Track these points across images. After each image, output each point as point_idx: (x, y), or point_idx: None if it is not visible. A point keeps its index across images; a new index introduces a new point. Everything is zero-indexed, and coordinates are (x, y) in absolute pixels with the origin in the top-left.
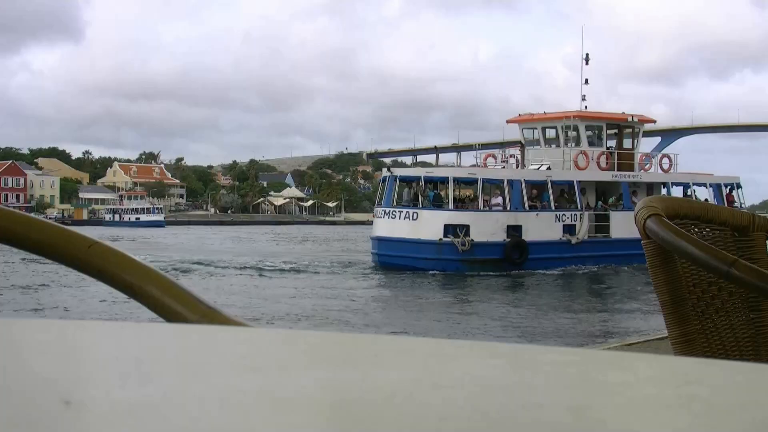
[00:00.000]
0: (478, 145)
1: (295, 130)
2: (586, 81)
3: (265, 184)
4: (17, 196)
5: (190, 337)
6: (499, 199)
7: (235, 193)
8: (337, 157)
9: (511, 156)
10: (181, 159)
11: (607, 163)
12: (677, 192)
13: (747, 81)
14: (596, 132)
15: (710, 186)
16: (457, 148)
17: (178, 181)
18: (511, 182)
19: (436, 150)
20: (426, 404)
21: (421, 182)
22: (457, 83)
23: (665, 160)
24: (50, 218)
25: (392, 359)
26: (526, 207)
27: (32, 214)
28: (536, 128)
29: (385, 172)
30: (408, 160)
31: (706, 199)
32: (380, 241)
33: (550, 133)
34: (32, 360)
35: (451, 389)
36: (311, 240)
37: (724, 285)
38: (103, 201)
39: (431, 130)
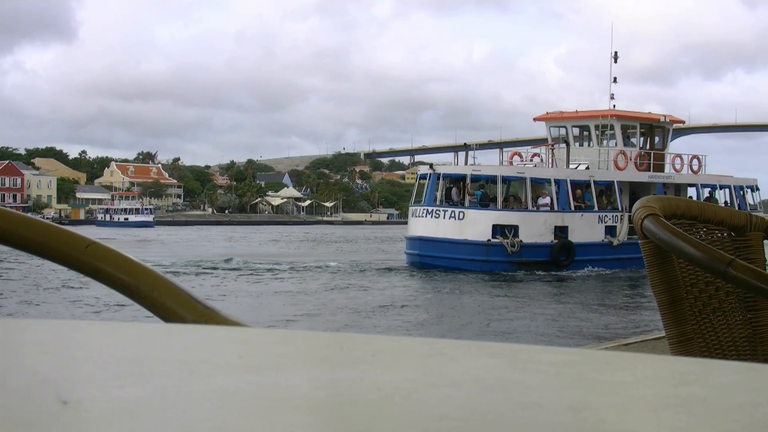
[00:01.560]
0: (476, 144)
1: (289, 130)
2: (615, 80)
3: (262, 184)
4: (14, 196)
5: (188, 337)
6: (547, 199)
7: (233, 193)
8: (335, 157)
9: (535, 155)
10: (178, 159)
11: (643, 163)
12: (703, 193)
13: (739, 81)
14: (630, 132)
15: (733, 188)
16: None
17: (175, 181)
18: (557, 182)
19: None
20: (424, 404)
21: (467, 180)
22: (451, 83)
23: (695, 161)
24: (47, 218)
25: (390, 359)
26: (572, 207)
27: (29, 214)
28: (566, 126)
29: (426, 169)
30: (405, 159)
31: (726, 202)
32: (422, 242)
33: (576, 132)
34: (30, 360)
35: (449, 389)
36: (330, 241)
37: (722, 285)
38: (99, 201)
39: (425, 130)
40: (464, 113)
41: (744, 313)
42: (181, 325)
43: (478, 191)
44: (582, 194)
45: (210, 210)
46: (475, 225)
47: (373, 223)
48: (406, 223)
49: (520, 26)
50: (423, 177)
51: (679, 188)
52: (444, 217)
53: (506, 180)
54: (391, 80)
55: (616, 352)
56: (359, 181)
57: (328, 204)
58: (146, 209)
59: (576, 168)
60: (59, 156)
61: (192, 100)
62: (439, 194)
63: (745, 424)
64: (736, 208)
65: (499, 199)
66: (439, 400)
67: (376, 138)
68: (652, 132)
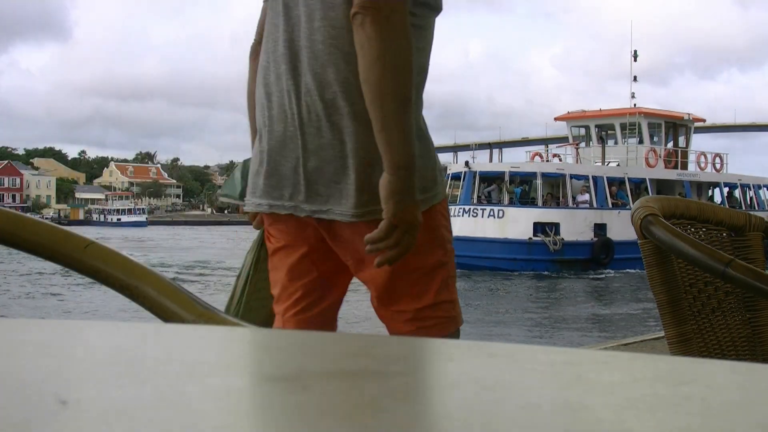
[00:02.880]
0: (475, 144)
1: None
2: (635, 78)
3: None
4: (13, 196)
5: (188, 337)
6: (586, 196)
7: None
8: None
9: (554, 155)
10: (177, 159)
11: (671, 161)
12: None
13: (734, 80)
14: (656, 130)
15: (753, 187)
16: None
17: (174, 181)
18: (594, 179)
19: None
20: (424, 405)
21: (506, 178)
22: (445, 83)
23: (717, 160)
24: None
25: (389, 359)
26: (610, 205)
27: (29, 214)
28: (588, 125)
29: (461, 167)
30: None
31: (752, 199)
32: (458, 241)
33: (597, 130)
34: (28, 360)
35: (448, 389)
36: None
37: (721, 285)
38: (96, 201)
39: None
40: (459, 113)
41: (743, 313)
42: (180, 325)
43: (517, 188)
44: (616, 192)
45: (209, 210)
46: (515, 223)
47: None
48: None
49: (512, 25)
50: (456, 176)
51: (701, 186)
52: (483, 216)
53: (544, 177)
54: None
55: (615, 352)
56: None
57: None
58: (139, 209)
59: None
60: (58, 156)
61: (187, 101)
62: (475, 193)
63: (744, 424)
64: (756, 207)
65: (540, 197)
66: (438, 400)
67: None
68: (676, 130)
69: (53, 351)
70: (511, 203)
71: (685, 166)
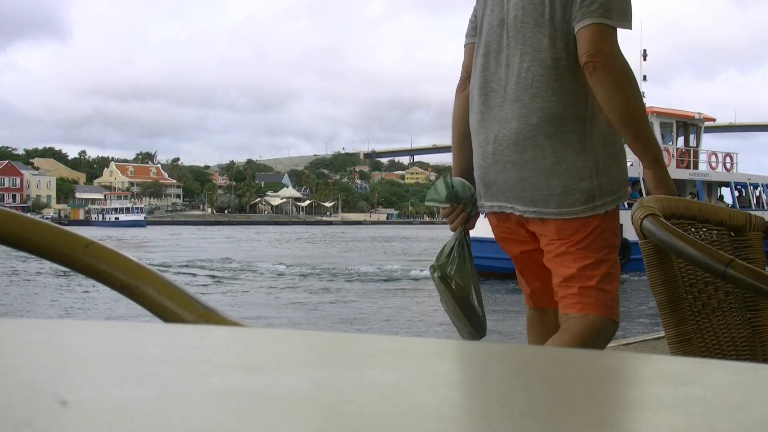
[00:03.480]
0: None
1: (284, 130)
2: (644, 78)
3: (262, 184)
4: (14, 196)
5: (187, 337)
6: None
7: (232, 193)
8: (334, 157)
9: None
10: (178, 159)
11: (683, 161)
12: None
13: (733, 80)
14: (668, 129)
15: (762, 186)
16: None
17: (174, 181)
18: None
19: None
20: (423, 404)
21: None
22: (445, 83)
23: (727, 159)
24: (47, 218)
25: (390, 359)
26: (626, 205)
27: (29, 214)
28: None
29: None
30: (405, 159)
31: (758, 198)
32: (478, 243)
33: None
34: (28, 360)
35: (448, 389)
36: (351, 240)
37: (721, 285)
38: (98, 201)
39: (419, 130)
40: None
41: (743, 313)
42: (180, 325)
43: None
44: (630, 191)
45: (210, 210)
46: None
47: (373, 223)
48: (406, 223)
49: None
50: None
51: (711, 186)
52: None
53: None
54: (384, 80)
55: (615, 352)
56: (359, 181)
57: (327, 204)
58: (137, 208)
59: None
60: (59, 156)
61: (186, 100)
62: None
63: (744, 424)
64: (765, 207)
65: None
66: (439, 400)
67: (370, 138)
68: (687, 129)
69: (53, 351)
70: None
71: (696, 166)
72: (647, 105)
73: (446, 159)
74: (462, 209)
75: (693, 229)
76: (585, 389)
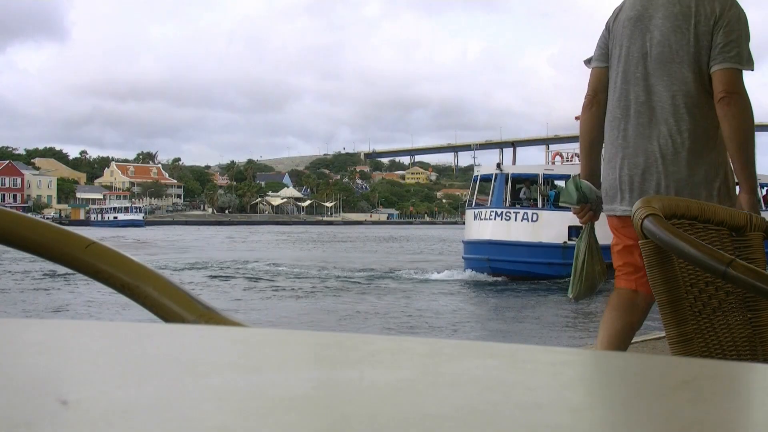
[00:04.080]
0: (476, 144)
1: (284, 130)
2: None
3: (262, 184)
4: (14, 196)
5: (188, 337)
6: None
7: (233, 193)
8: (335, 157)
9: (574, 155)
10: (179, 159)
11: None
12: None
13: None
14: None
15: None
16: (455, 148)
17: (175, 181)
18: None
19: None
20: (423, 404)
21: (540, 180)
22: (443, 83)
23: None
24: (47, 218)
25: (390, 359)
26: None
27: (29, 214)
28: None
29: (487, 169)
30: (405, 159)
31: None
32: (492, 245)
33: None
34: (29, 360)
35: (448, 389)
36: (358, 240)
37: (722, 285)
38: (97, 201)
39: (419, 129)
40: (456, 112)
41: (744, 313)
42: (181, 325)
43: (551, 191)
44: None
45: (210, 210)
46: (550, 227)
47: (374, 223)
48: (406, 223)
49: (510, 26)
50: (486, 178)
51: None
52: (516, 219)
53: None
54: (383, 80)
55: (616, 352)
56: (359, 181)
57: (328, 204)
58: (135, 208)
59: None
60: (59, 156)
61: (185, 100)
62: (508, 195)
63: (744, 424)
64: None
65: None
66: (439, 400)
67: (369, 138)
68: None
69: (53, 351)
70: (545, 206)
71: None
72: None
73: (446, 159)
74: (589, 208)
75: (693, 229)
76: (586, 389)
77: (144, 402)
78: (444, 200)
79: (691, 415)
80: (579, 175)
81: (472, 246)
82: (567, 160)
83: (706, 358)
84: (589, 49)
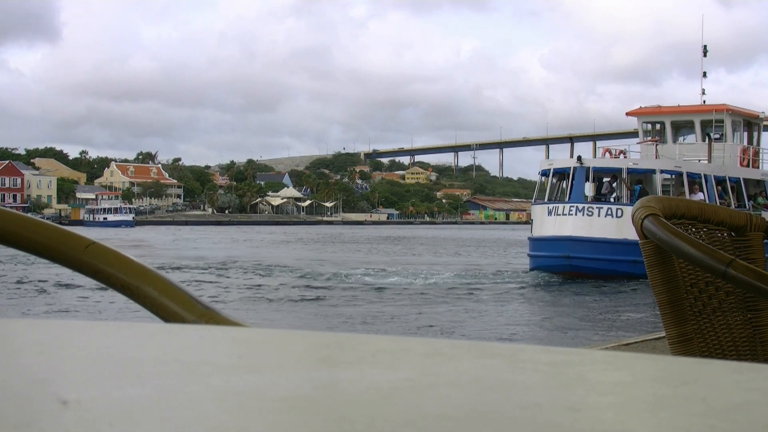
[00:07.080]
0: (476, 144)
1: (278, 129)
2: (705, 74)
3: (262, 184)
4: (14, 196)
5: (188, 337)
6: (700, 195)
7: (233, 193)
8: (335, 157)
9: (620, 152)
10: (179, 159)
11: (755, 160)
12: None
13: (722, 80)
14: (737, 127)
15: None
16: (455, 148)
17: (175, 181)
18: (705, 177)
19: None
20: (423, 404)
21: (624, 175)
22: (437, 83)
23: None
24: (47, 218)
25: (390, 359)
26: (717, 203)
27: (29, 214)
28: (663, 121)
29: (560, 163)
30: (405, 160)
31: None
32: (572, 242)
33: (671, 127)
34: (29, 360)
35: (448, 389)
36: (370, 241)
37: (722, 285)
38: (90, 201)
39: (416, 129)
40: (449, 112)
41: (744, 313)
42: (181, 325)
43: (637, 186)
44: (720, 191)
45: (210, 210)
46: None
47: (374, 223)
48: (406, 223)
49: (498, 25)
50: (560, 171)
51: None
52: (599, 215)
53: (663, 174)
54: (375, 79)
55: (616, 352)
56: (359, 181)
57: (328, 204)
58: (126, 208)
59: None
60: (59, 156)
61: (180, 100)
62: (590, 190)
63: (744, 424)
64: None
65: (659, 194)
66: (439, 400)
67: (363, 137)
68: (751, 128)
69: (53, 351)
70: (630, 201)
71: (757, 164)
72: (717, 102)
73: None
74: None
75: (694, 229)
76: (586, 389)
77: (144, 402)
78: (444, 200)
79: (692, 415)
80: None
81: (545, 243)
82: (614, 156)
83: (706, 358)
84: (579, 48)
